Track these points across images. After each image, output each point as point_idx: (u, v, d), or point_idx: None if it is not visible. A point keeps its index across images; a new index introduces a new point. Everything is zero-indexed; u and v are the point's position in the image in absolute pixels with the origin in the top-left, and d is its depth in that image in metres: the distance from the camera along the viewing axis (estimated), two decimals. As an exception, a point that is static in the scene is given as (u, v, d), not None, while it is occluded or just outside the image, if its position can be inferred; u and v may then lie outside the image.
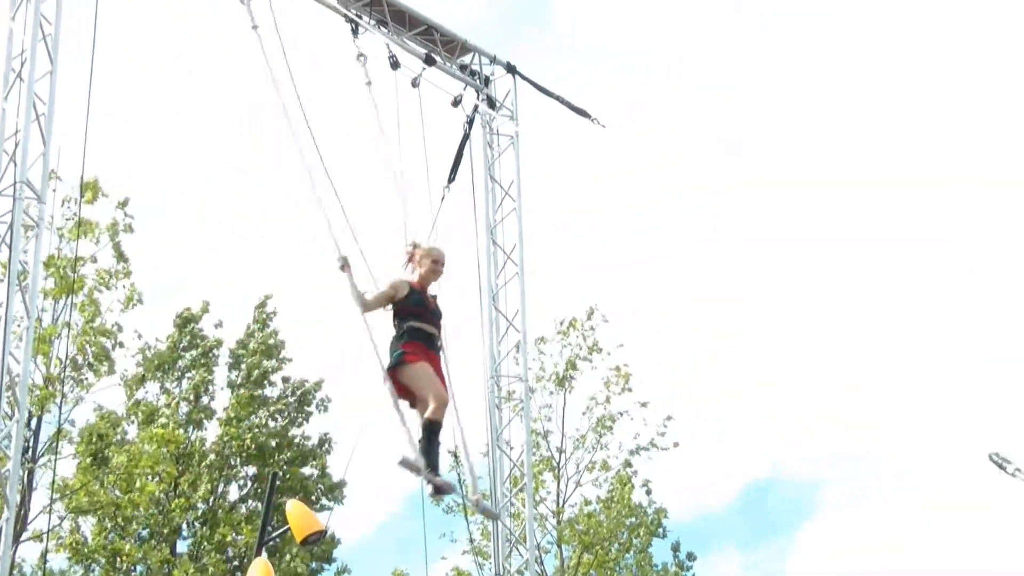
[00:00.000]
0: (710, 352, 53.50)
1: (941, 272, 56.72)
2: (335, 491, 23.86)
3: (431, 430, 10.39)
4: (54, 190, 16.13)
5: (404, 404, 10.70)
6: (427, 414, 10.35)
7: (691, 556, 26.28)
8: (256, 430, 23.05)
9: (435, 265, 11.06)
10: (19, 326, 14.53)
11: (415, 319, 10.63)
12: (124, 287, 18.03)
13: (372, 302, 10.80)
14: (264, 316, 24.76)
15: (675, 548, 26.11)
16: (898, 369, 51.90)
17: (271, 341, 24.45)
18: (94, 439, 17.96)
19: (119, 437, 19.02)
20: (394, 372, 10.50)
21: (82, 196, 17.46)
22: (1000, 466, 17.29)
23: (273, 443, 23.18)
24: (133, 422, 21.03)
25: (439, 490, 10.79)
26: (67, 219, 17.62)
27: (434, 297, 11.15)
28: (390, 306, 10.83)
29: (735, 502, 71.82)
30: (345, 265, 10.98)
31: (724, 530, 72.12)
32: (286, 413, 24.24)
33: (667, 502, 25.99)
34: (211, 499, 22.00)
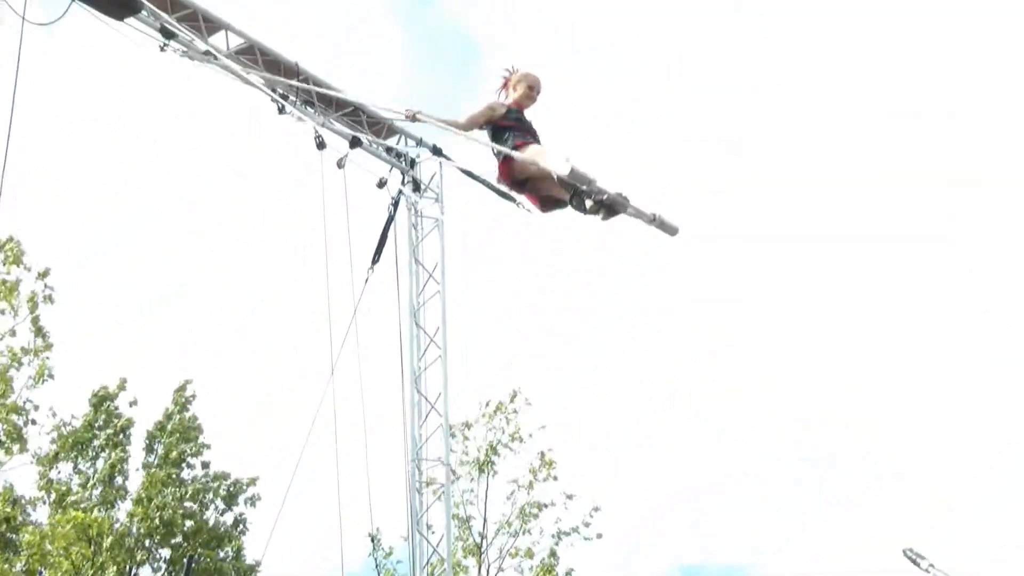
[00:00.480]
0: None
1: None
2: (250, 574, 23.55)
3: (566, 187, 9.80)
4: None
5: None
6: (557, 172, 9.68)
7: None
8: (168, 509, 22.74)
9: (530, 91, 10.72)
10: None
11: (517, 134, 10.31)
12: (37, 362, 17.79)
13: (469, 122, 10.50)
14: (184, 399, 24.54)
15: None
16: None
17: (189, 425, 24.26)
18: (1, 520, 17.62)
19: (24, 519, 18.63)
20: (505, 165, 10.31)
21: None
22: (914, 562, 17.49)
23: (187, 524, 22.88)
24: (44, 502, 20.68)
25: (611, 209, 9.90)
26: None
27: (530, 121, 10.76)
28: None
29: None
30: (414, 116, 10.90)
31: None
32: (207, 500, 23.97)
33: None
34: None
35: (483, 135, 10.69)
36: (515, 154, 10.10)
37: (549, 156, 9.89)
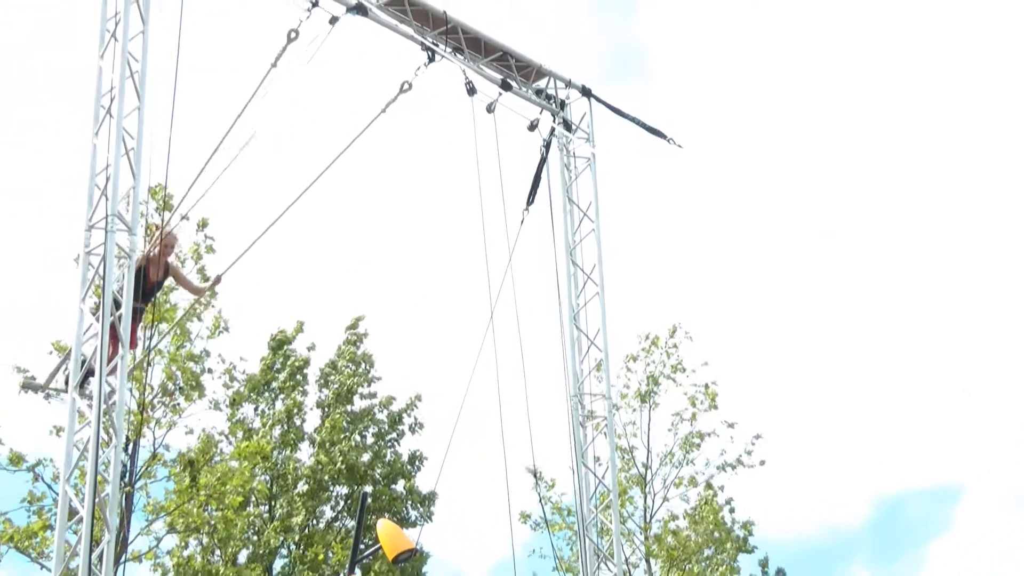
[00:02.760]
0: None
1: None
2: (425, 505, 24.03)
3: None
4: (143, 219, 16.58)
5: None
6: None
7: (780, 572, 26.31)
8: (349, 449, 23.32)
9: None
10: (116, 356, 14.86)
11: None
12: (210, 315, 18.29)
13: None
14: (355, 336, 25.02)
15: (763, 564, 26.09)
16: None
17: (361, 360, 24.72)
18: (186, 464, 18.27)
19: (216, 459, 19.30)
20: None
21: (164, 221, 17.86)
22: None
23: (365, 460, 23.42)
24: (231, 442, 21.34)
25: None
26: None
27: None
28: None
29: (867, 518, 70.84)
30: None
31: (855, 546, 71.26)
32: (376, 431, 24.47)
33: (759, 519, 25.96)
34: (302, 520, 22.27)
35: None
36: None
37: None
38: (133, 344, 10.70)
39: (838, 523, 69.46)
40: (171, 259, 11.38)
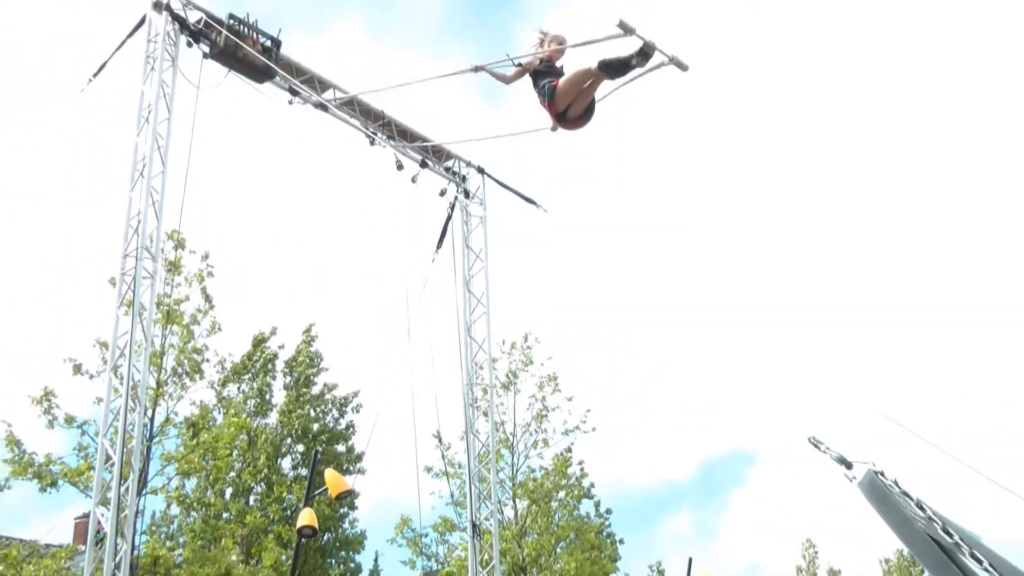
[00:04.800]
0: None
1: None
2: (358, 460, 24.45)
3: (612, 67, 9.44)
4: (162, 252, 17.15)
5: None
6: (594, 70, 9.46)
7: (608, 511, 26.82)
8: (303, 419, 23.79)
9: (560, 46, 10.29)
10: (139, 347, 15.42)
11: (552, 78, 9.96)
12: (209, 320, 18.68)
13: (516, 74, 10.29)
14: (309, 338, 25.42)
15: (597, 505, 26.49)
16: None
17: (312, 356, 25.14)
18: (188, 427, 18.72)
19: (209, 424, 19.65)
20: (551, 104, 9.91)
21: (176, 252, 18.31)
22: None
23: (315, 428, 23.95)
24: (222, 411, 21.70)
25: (645, 54, 9.31)
26: (168, 271, 18.50)
27: (561, 66, 10.34)
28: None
29: (692, 475, 72.18)
30: (478, 68, 10.60)
31: (683, 495, 72.59)
32: (325, 410, 24.88)
33: (597, 476, 26.49)
34: (269, 468, 22.68)
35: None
36: (551, 111, 9.88)
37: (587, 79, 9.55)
38: None
39: (672, 478, 70.63)
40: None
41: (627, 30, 9.01)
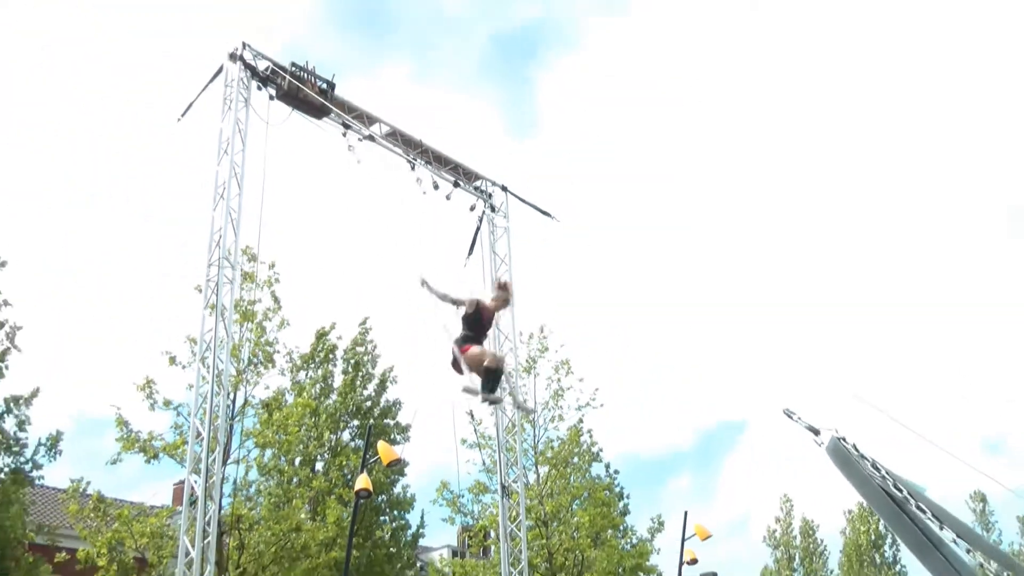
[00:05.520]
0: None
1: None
2: (405, 432, 24.56)
3: (490, 375, 9.67)
4: (239, 262, 17.33)
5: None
6: (486, 364, 9.68)
7: (616, 472, 26.82)
8: (359, 398, 23.90)
9: (504, 302, 10.57)
10: (222, 341, 15.65)
11: (469, 330, 9.96)
12: (278, 318, 18.84)
13: (449, 301, 10.08)
14: (364, 330, 25.56)
15: (607, 467, 26.57)
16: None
17: (368, 344, 25.28)
18: (264, 407, 18.93)
19: (280, 405, 19.83)
20: (459, 354, 9.80)
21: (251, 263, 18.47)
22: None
23: (367, 405, 24.04)
24: (292, 394, 21.86)
25: (492, 402, 9.98)
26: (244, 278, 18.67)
27: (493, 314, 10.42)
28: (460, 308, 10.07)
29: (692, 442, 72.45)
30: (424, 283, 10.20)
31: (684, 460, 72.81)
32: (375, 389, 25.00)
33: (612, 446, 26.52)
34: (331, 440, 22.81)
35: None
36: (461, 354, 9.74)
37: (484, 360, 9.68)
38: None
39: (676, 446, 70.85)
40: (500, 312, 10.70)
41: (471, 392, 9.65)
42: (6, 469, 16.34)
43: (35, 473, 16.74)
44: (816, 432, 6.62)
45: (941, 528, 5.41)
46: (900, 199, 65.43)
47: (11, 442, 16.26)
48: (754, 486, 60.69)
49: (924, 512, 5.41)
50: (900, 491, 5.67)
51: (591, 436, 25.47)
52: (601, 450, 25.55)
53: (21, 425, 16.39)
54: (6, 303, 16.32)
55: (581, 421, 24.98)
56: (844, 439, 6.40)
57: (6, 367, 16.15)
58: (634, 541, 25.40)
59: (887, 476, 5.88)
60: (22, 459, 16.46)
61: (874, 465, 6.08)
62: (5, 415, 16.24)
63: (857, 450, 6.23)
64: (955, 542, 5.41)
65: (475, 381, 9.77)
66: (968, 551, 5.49)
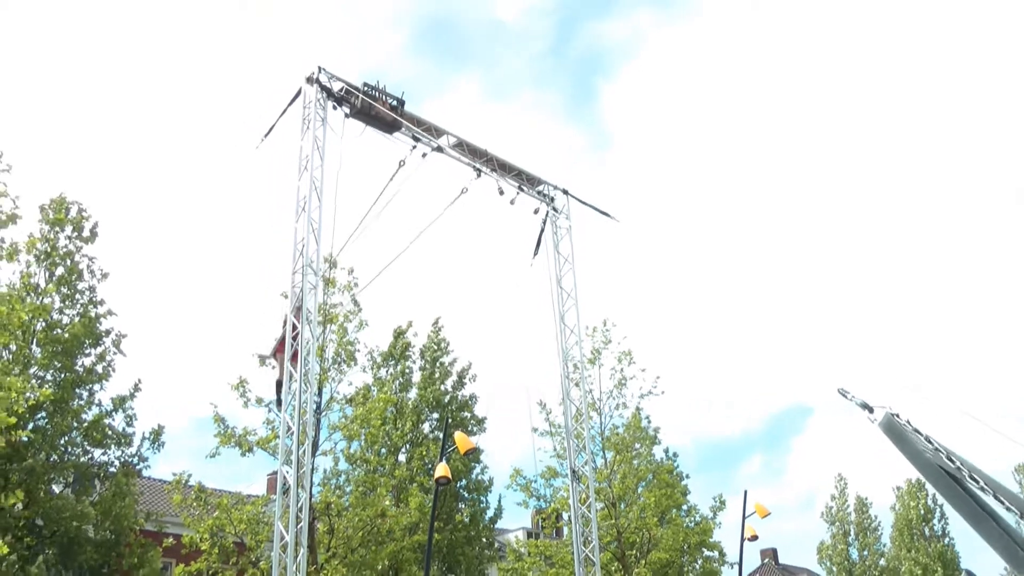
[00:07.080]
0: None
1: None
2: (481, 423, 24.82)
3: None
4: (323, 268, 17.57)
5: None
6: None
7: (675, 454, 26.61)
8: (438, 391, 24.15)
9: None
10: (307, 343, 15.87)
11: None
12: (358, 319, 19.08)
13: None
14: (437, 328, 25.82)
15: (666, 450, 26.47)
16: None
17: (440, 342, 25.52)
18: (350, 402, 19.24)
19: (364, 400, 20.11)
20: None
21: (331, 270, 18.71)
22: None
23: (446, 399, 24.29)
24: (374, 390, 22.17)
25: None
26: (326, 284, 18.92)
27: None
28: None
29: (763, 425, 71.81)
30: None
31: (756, 442, 72.39)
32: (451, 382, 25.21)
33: (684, 430, 26.28)
34: (413, 432, 23.10)
35: None
36: None
37: None
38: None
39: (748, 429, 70.41)
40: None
41: None
42: (116, 463, 16.86)
43: (141, 465, 17.24)
44: (870, 409, 6.51)
45: (994, 498, 5.28)
46: (910, 194, 63.70)
47: (120, 437, 16.77)
48: (820, 467, 59.92)
49: (977, 482, 5.29)
50: (953, 463, 5.55)
51: (650, 421, 25.62)
52: (658, 429, 25.53)
53: (129, 421, 16.89)
54: (111, 312, 16.89)
55: (640, 408, 25.02)
56: (898, 415, 6.29)
57: (112, 370, 16.65)
58: (697, 519, 25.27)
59: (940, 450, 5.76)
60: (130, 451, 16.97)
61: (927, 440, 5.96)
62: (113, 413, 16.77)
63: (911, 425, 6.11)
64: (1009, 511, 5.28)
65: None
66: (1018, 522, 5.35)
